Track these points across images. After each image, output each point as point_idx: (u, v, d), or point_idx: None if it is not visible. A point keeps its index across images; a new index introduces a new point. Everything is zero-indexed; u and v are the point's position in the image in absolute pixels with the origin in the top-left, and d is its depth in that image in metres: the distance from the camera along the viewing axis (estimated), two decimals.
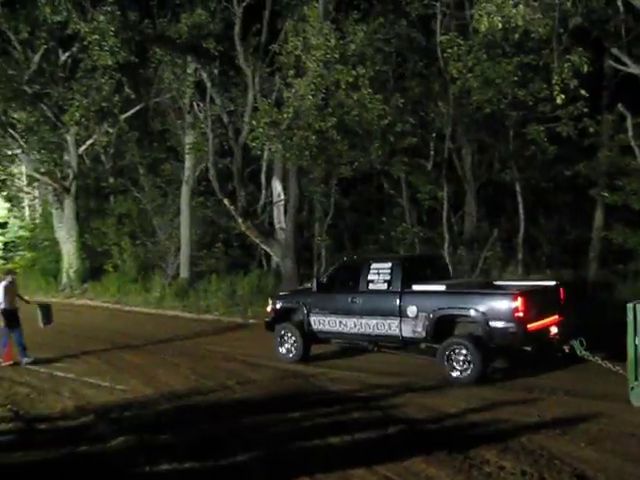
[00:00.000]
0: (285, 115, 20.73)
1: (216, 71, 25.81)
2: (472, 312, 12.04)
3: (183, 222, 29.39)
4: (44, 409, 10.99)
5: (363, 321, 13.50)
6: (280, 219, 25.81)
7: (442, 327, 12.48)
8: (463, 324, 12.42)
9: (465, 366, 11.99)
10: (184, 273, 28.84)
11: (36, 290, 30.43)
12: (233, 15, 24.59)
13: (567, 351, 11.90)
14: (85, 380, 13.02)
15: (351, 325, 13.70)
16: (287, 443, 8.66)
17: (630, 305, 10.04)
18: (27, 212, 43.63)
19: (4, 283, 15.32)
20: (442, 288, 12.82)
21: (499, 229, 23.48)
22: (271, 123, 20.73)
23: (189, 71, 26.94)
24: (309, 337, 14.45)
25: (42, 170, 31.30)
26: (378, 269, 13.54)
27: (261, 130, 20.87)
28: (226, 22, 25.10)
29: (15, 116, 31.26)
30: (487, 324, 11.87)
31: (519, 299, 11.66)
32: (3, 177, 34.76)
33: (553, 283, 13.46)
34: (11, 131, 30.69)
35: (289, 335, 14.61)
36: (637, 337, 9.90)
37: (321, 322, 14.23)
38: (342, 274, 14.47)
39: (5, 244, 43.87)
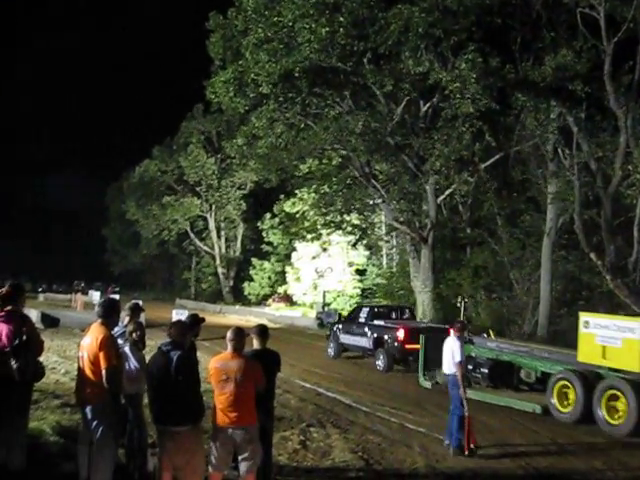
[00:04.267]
0: None
1: (583, 115, 24.67)
2: (385, 336, 22.11)
3: (543, 277, 28.31)
4: (394, 462, 10.90)
5: (356, 338, 23.86)
6: None
7: (378, 343, 22.35)
8: (386, 342, 22.02)
9: (382, 363, 21.85)
10: (541, 331, 27.63)
11: None
12: (602, 53, 23.35)
13: None
14: (435, 436, 12.71)
15: (353, 340, 24.16)
16: None
17: (422, 335, 18.47)
18: (384, 260, 45.98)
19: (459, 335, 12.16)
20: (381, 323, 22.96)
21: None
22: None
23: (553, 116, 26.14)
24: (339, 345, 25.08)
25: (401, 219, 32.35)
26: (365, 311, 24.46)
27: (639, 177, 19.27)
28: (593, 61, 23.94)
29: (377, 167, 32.92)
30: (389, 342, 21.83)
31: (401, 330, 21.50)
32: (364, 226, 36.85)
33: (444, 326, 21.39)
34: (373, 182, 32.30)
35: (332, 344, 25.41)
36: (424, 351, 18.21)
37: (342, 338, 24.73)
38: (353, 313, 25.78)
39: (363, 290, 46.71)
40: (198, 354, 8.88)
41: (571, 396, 14.62)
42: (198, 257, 75.26)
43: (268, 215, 60.59)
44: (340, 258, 48.06)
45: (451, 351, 11.78)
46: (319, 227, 36.72)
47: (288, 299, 55.30)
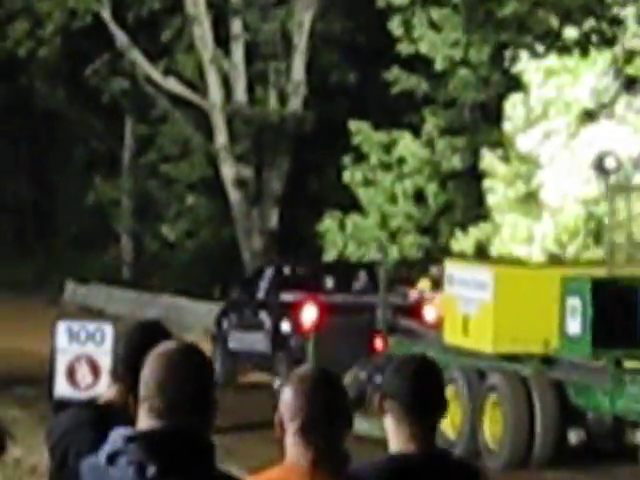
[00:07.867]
0: None
1: None
2: (286, 324, 14.54)
3: None
4: None
5: (249, 336, 15.63)
6: None
7: (278, 341, 14.52)
8: (288, 337, 14.84)
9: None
10: None
11: None
12: None
13: None
14: None
15: (244, 341, 16.07)
16: None
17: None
18: None
19: None
20: (290, 297, 14.40)
21: None
22: None
23: None
24: (227, 355, 16.55)
25: None
26: (268, 276, 15.46)
27: None
28: None
29: None
30: (291, 336, 14.24)
31: (309, 308, 13.50)
32: None
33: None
34: None
35: (217, 355, 15.92)
36: (315, 346, 12.85)
37: (231, 339, 16.20)
38: (251, 282, 16.77)
39: None
40: None
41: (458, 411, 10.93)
42: (142, 119, 29.94)
43: None
44: None
45: None
46: None
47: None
